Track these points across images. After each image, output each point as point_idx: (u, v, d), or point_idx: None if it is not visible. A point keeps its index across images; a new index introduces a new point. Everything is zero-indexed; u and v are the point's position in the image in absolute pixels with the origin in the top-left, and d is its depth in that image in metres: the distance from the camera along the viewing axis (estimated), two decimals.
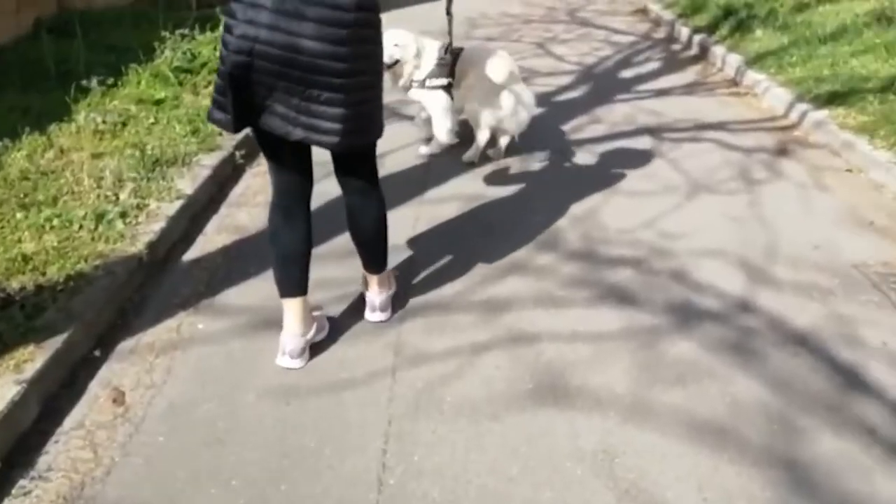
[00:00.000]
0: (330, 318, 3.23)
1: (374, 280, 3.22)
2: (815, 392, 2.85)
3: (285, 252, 2.95)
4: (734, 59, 7.08)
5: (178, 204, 4.04)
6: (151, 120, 5.25)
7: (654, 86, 6.80)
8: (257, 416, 2.69)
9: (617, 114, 6.03)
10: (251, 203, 4.41)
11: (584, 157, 5.12)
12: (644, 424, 2.67)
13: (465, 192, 4.55)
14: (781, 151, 5.24)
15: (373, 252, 3.17)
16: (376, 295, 3.24)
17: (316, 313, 3.13)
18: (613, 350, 3.07)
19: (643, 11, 9.94)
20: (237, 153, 4.89)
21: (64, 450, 2.51)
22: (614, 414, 2.71)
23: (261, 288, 3.47)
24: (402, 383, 2.86)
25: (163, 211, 3.93)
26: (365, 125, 2.72)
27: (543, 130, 5.46)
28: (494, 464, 2.49)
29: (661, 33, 8.89)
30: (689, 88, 6.79)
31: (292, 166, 2.89)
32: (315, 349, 3.04)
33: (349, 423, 2.66)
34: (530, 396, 2.80)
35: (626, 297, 3.45)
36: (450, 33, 4.40)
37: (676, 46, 8.28)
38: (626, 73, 7.23)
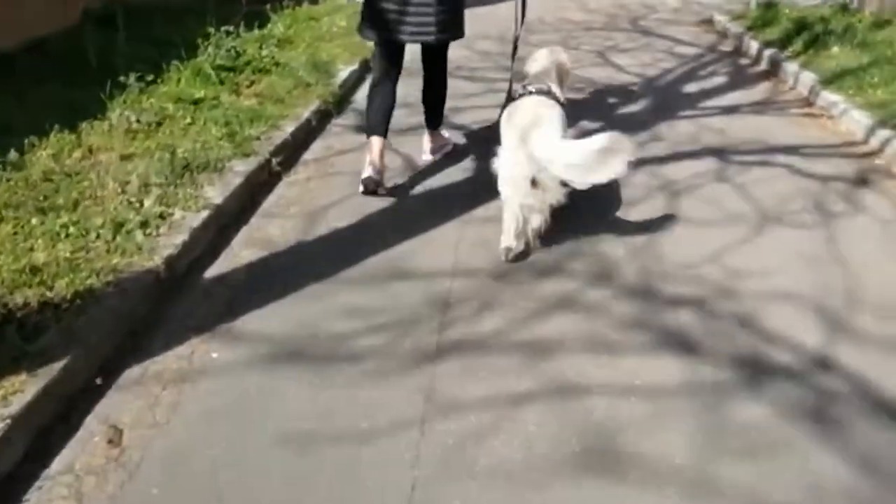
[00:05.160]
0: (360, 351, 2.93)
1: (429, 134, 4.84)
2: None
3: (376, 106, 4.43)
4: (808, 77, 6.60)
5: (204, 214, 3.77)
6: (188, 120, 5.02)
7: (721, 102, 6.36)
8: (265, 468, 2.38)
9: (680, 131, 5.62)
10: (284, 214, 4.13)
11: (643, 178, 4.73)
12: None
13: None
14: (861, 181, 4.78)
15: (434, 115, 4.81)
16: (429, 143, 4.85)
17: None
18: (673, 409, 2.71)
19: (709, 22, 9.46)
20: (273, 160, 4.62)
21: (46, 499, 2.23)
22: (673, 492, 2.35)
23: (285, 314, 3.19)
24: (431, 438, 2.53)
25: (187, 222, 3.66)
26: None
27: None
28: None
29: (727, 46, 8.41)
30: (759, 107, 6.33)
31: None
32: (338, 388, 2.74)
33: (367, 486, 2.33)
34: (576, 463, 2.45)
35: (687, 345, 3.07)
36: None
37: (745, 61, 7.80)
38: (691, 88, 6.80)
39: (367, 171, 4.27)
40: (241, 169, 4.34)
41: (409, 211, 4.23)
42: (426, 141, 4.86)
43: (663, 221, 4.16)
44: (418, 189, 4.51)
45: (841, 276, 3.64)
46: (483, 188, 4.45)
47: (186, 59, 5.96)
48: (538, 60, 4.42)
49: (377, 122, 4.40)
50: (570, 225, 4.07)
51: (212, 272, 3.52)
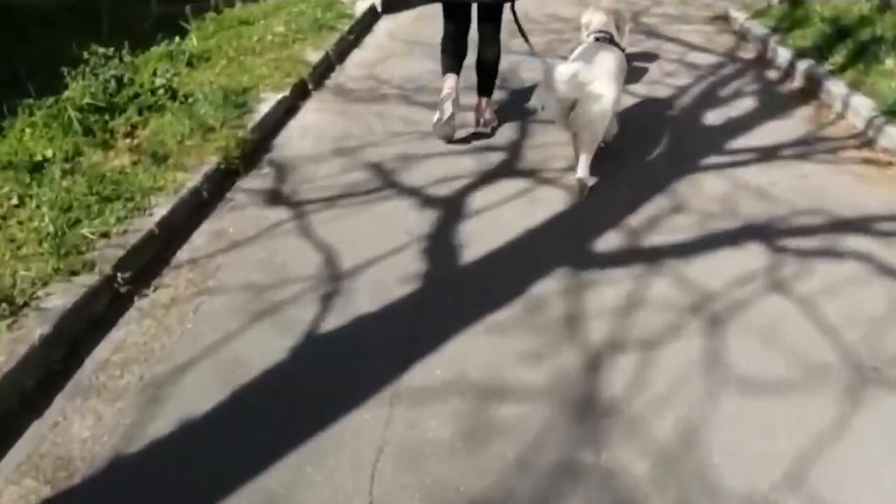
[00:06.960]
0: None
1: (483, 101, 4.82)
2: None
3: (449, 54, 4.70)
4: (863, 105, 5.08)
5: None
6: (13, 201, 3.50)
7: (753, 141, 4.85)
8: None
9: (708, 194, 4.13)
10: (108, 389, 2.61)
11: (668, 290, 3.25)
12: None
13: (473, 373, 2.72)
14: None
15: (488, 81, 4.80)
16: (481, 111, 4.81)
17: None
18: None
19: (723, 19, 7.88)
20: (119, 276, 3.09)
21: None
22: None
23: None
24: None
25: None
26: None
27: (602, 222, 3.65)
28: None
29: (749, 52, 6.85)
30: (803, 148, 4.82)
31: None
32: None
33: None
34: None
35: None
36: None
37: (773, 74, 6.25)
38: (712, 118, 5.27)
39: (438, 114, 4.55)
40: (55, 303, 2.82)
41: (307, 376, 2.72)
42: (477, 110, 4.87)
43: (701, 387, 2.69)
44: (332, 322, 3.00)
45: None
46: (418, 330, 2.96)
47: (45, 97, 4.41)
48: (597, 13, 4.62)
49: (452, 64, 4.65)
50: (559, 408, 2.57)
51: None
